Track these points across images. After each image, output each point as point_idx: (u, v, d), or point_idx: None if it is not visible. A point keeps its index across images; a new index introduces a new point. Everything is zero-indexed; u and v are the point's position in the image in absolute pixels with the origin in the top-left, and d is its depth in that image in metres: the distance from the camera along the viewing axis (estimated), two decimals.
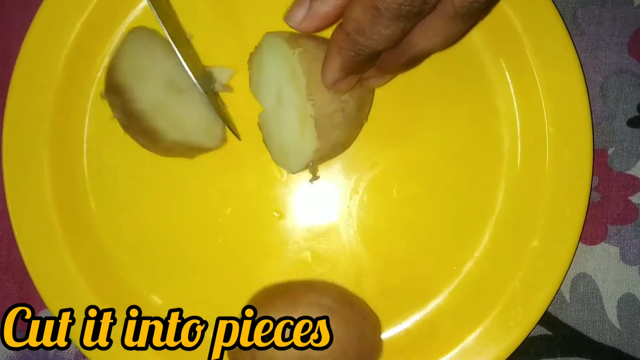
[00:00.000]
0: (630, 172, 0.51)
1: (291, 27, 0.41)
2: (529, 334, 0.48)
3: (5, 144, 0.49)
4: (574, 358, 0.50)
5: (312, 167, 0.47)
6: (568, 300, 0.50)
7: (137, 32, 0.47)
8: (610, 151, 0.51)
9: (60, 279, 0.49)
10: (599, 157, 0.51)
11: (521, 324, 0.47)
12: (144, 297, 0.50)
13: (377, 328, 0.48)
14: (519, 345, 0.47)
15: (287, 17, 0.41)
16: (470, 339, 0.48)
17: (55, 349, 0.51)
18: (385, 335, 0.49)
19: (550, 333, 0.50)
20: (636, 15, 0.51)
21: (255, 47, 0.47)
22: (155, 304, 0.50)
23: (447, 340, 0.48)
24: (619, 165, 0.51)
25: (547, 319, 0.50)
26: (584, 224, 0.48)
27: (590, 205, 0.50)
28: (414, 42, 0.39)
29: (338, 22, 0.39)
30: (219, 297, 0.50)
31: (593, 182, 0.49)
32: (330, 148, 0.45)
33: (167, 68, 0.46)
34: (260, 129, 0.47)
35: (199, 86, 0.46)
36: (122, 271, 0.50)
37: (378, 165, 0.50)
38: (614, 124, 0.51)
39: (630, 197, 0.51)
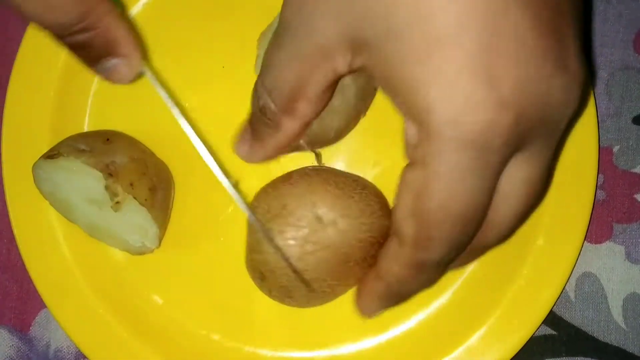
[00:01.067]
0: (636, 170, 0.50)
1: (243, 160, 0.43)
2: (534, 333, 0.47)
3: (4, 142, 0.49)
4: (579, 358, 0.50)
5: (302, 147, 0.45)
6: (573, 300, 0.50)
7: (38, 168, 0.46)
8: (615, 149, 0.51)
9: (60, 278, 0.49)
10: (604, 155, 0.50)
11: (526, 324, 0.47)
12: (145, 297, 0.49)
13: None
14: (524, 345, 0.47)
15: (237, 151, 0.43)
16: (474, 339, 0.47)
17: (55, 349, 0.52)
18: (388, 335, 0.49)
19: (555, 333, 0.50)
20: None
21: (268, 26, 0.46)
22: (156, 304, 0.49)
23: (451, 339, 0.48)
24: (624, 164, 0.51)
25: (551, 319, 0.50)
26: (589, 223, 0.47)
27: (596, 204, 0.49)
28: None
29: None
30: (220, 296, 0.49)
31: (598, 180, 0.49)
32: (320, 130, 0.44)
33: (80, 186, 0.45)
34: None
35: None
36: (123, 270, 0.50)
37: (380, 164, 0.49)
38: (620, 121, 0.51)
39: (635, 196, 0.50)
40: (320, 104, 0.38)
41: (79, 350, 0.50)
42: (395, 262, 0.37)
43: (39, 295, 0.49)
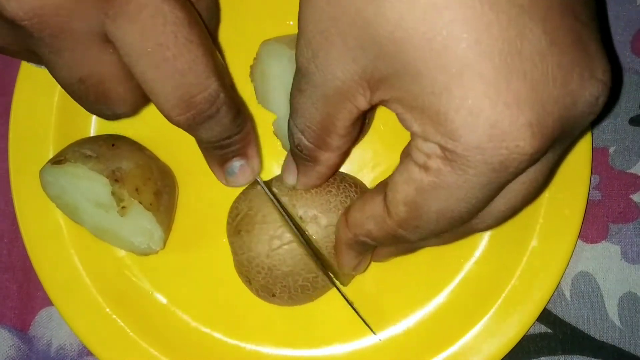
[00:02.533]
0: (632, 170, 0.51)
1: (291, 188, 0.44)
2: (530, 331, 0.48)
3: (11, 144, 0.50)
4: (574, 356, 0.50)
5: None
6: (569, 299, 0.51)
7: (45, 173, 0.47)
8: (611, 150, 0.51)
9: (67, 277, 0.50)
10: (600, 156, 0.51)
11: (520, 322, 0.47)
12: (149, 296, 0.50)
13: None
14: (520, 343, 0.48)
15: (286, 180, 0.43)
16: (469, 336, 0.48)
17: (58, 347, 0.52)
18: (385, 333, 0.49)
19: (551, 331, 0.50)
20: (639, 13, 0.51)
21: (255, 58, 0.47)
22: (160, 303, 0.50)
23: (446, 337, 0.48)
24: (620, 164, 0.51)
25: (547, 317, 0.50)
26: (583, 223, 0.48)
27: (591, 204, 0.50)
28: (422, 245, 0.41)
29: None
30: (223, 295, 0.50)
31: (594, 180, 0.49)
32: None
33: (87, 190, 0.46)
34: (276, 136, 0.47)
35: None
36: (128, 270, 0.50)
37: (380, 166, 0.50)
38: (616, 122, 0.51)
39: (631, 196, 0.51)
40: (351, 135, 0.38)
41: (82, 348, 0.51)
42: (373, 222, 0.37)
43: (39, 295, 0.50)
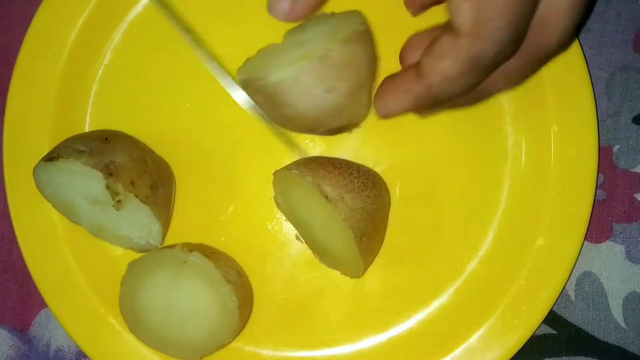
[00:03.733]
0: (636, 169, 0.50)
1: (277, 18, 0.40)
2: (534, 333, 0.47)
3: (6, 142, 0.49)
4: (579, 357, 0.50)
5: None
6: (573, 299, 0.50)
7: (39, 171, 0.46)
8: (615, 149, 0.51)
9: (62, 278, 0.49)
10: (604, 155, 0.50)
11: (525, 323, 0.47)
12: None
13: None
14: (524, 345, 0.47)
15: (271, 10, 0.39)
16: (474, 338, 0.47)
17: (56, 349, 0.52)
18: (388, 334, 0.49)
19: (555, 332, 0.50)
20: None
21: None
22: None
23: (450, 339, 0.48)
24: (624, 163, 0.51)
25: (552, 318, 0.50)
26: (589, 222, 0.47)
27: (596, 203, 0.49)
28: (491, 86, 0.39)
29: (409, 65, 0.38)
30: None
31: (598, 179, 0.49)
32: (353, 108, 0.44)
33: (81, 186, 0.45)
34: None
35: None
36: (123, 270, 0.49)
37: (381, 163, 0.49)
38: (619, 121, 0.51)
39: (635, 195, 0.50)
40: None
41: (80, 350, 0.50)
42: (446, 57, 0.35)
43: (39, 295, 0.49)
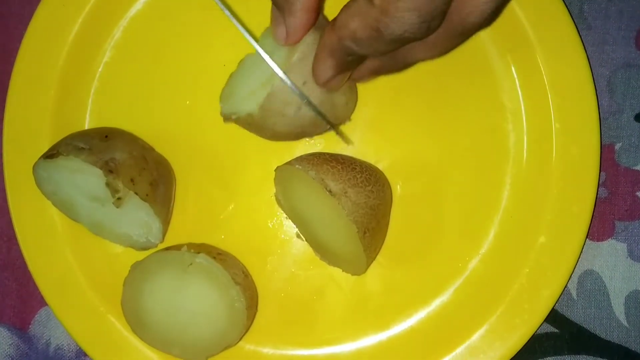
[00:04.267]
0: (638, 167, 0.50)
1: (278, 44, 0.42)
2: (536, 331, 0.47)
3: (5, 140, 0.49)
4: (581, 356, 0.50)
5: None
6: (575, 298, 0.50)
7: (39, 168, 0.46)
8: (617, 146, 0.50)
9: (61, 276, 0.49)
10: (606, 153, 0.50)
11: (527, 322, 0.47)
12: None
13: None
14: (526, 343, 0.47)
15: (275, 37, 0.42)
16: (475, 337, 0.47)
17: (56, 347, 0.51)
18: (390, 333, 0.49)
19: (557, 331, 0.50)
20: None
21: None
22: None
23: (452, 338, 0.48)
24: (626, 161, 0.50)
25: (553, 317, 0.50)
26: (591, 220, 0.47)
27: (598, 201, 0.49)
28: (410, 54, 0.39)
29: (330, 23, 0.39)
30: None
31: (600, 178, 0.49)
32: (334, 111, 0.45)
33: (81, 184, 0.45)
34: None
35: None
36: (124, 269, 0.49)
37: (382, 161, 0.49)
38: (621, 119, 0.51)
39: (637, 193, 0.50)
40: None
41: (80, 348, 0.50)
42: (357, 18, 0.36)
43: (38, 293, 0.49)
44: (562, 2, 0.47)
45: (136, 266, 0.46)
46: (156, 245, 0.47)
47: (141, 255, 0.47)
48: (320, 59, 0.41)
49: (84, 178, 0.44)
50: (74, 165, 0.44)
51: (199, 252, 0.45)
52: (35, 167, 0.45)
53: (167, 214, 0.48)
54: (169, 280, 0.45)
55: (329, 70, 0.41)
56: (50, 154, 0.44)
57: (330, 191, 0.42)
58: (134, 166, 0.44)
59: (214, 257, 0.45)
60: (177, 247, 0.46)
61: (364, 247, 0.43)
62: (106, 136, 0.46)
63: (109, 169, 0.43)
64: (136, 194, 0.44)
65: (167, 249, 0.46)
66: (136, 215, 0.45)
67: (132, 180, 0.44)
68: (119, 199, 0.44)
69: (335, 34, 0.38)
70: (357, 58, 0.40)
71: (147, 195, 0.44)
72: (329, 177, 0.43)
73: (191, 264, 0.44)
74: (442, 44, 0.38)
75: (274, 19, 0.42)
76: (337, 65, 0.40)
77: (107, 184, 0.43)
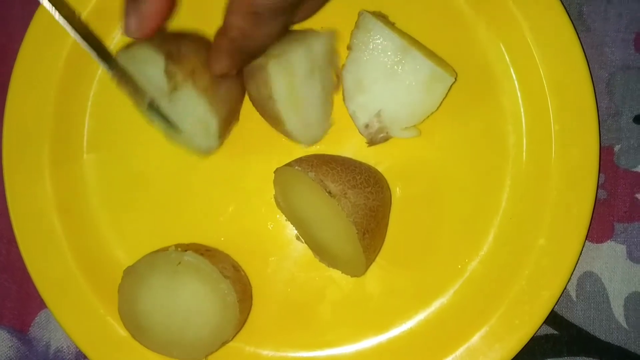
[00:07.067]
0: (637, 169, 0.50)
1: (131, 37, 0.42)
2: (535, 333, 0.47)
3: (5, 142, 0.49)
4: (580, 357, 0.50)
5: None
6: (574, 299, 0.50)
7: (119, 59, 0.45)
8: (616, 148, 0.51)
9: (61, 278, 0.49)
10: (606, 155, 0.50)
11: (527, 323, 0.47)
12: None
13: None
14: (525, 345, 0.47)
15: (124, 30, 0.42)
16: (475, 339, 0.47)
17: (55, 349, 0.51)
18: (390, 334, 0.49)
19: (557, 332, 0.50)
20: None
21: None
22: None
23: (452, 339, 0.48)
24: (625, 163, 0.50)
25: (553, 318, 0.50)
26: (590, 222, 0.47)
27: (597, 203, 0.49)
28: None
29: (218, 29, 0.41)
30: None
31: (599, 179, 0.49)
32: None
33: (151, 74, 0.44)
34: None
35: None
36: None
37: (382, 163, 0.49)
38: (620, 120, 0.51)
39: (637, 195, 0.50)
40: None
41: (79, 351, 0.50)
42: (236, 14, 0.39)
43: (38, 296, 0.49)
44: (561, 4, 0.47)
45: (128, 272, 0.46)
46: (217, 148, 0.46)
47: (136, 257, 0.47)
48: (216, 59, 0.42)
49: (151, 69, 0.44)
50: (140, 55, 0.44)
51: (186, 250, 0.45)
52: (116, 59, 0.45)
53: (228, 117, 0.46)
54: (161, 281, 0.45)
55: (227, 67, 0.42)
56: (127, 46, 0.45)
57: (329, 192, 0.43)
58: (197, 63, 0.44)
59: (202, 254, 0.45)
60: (166, 248, 0.46)
61: (363, 248, 0.43)
62: (179, 35, 0.46)
63: (170, 56, 0.43)
64: (194, 85, 0.43)
65: (157, 251, 0.46)
66: (194, 111, 0.44)
67: (193, 71, 0.43)
68: (175, 88, 0.43)
69: (227, 37, 0.40)
70: (254, 53, 0.42)
71: (205, 90, 0.43)
72: (328, 178, 0.43)
73: (180, 263, 0.44)
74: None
75: (124, 10, 0.42)
76: (235, 63, 0.42)
77: (166, 71, 0.43)
